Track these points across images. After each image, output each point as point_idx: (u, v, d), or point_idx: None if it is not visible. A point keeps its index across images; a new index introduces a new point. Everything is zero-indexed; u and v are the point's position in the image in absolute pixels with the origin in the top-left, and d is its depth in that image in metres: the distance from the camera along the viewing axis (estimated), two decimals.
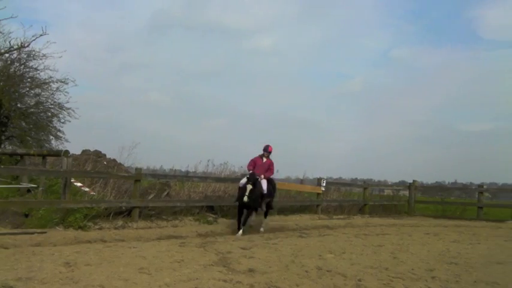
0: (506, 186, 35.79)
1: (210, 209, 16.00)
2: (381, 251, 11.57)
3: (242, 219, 14.12)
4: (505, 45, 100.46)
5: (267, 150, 15.02)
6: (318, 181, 20.02)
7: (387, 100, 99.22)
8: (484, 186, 24.51)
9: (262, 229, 14.78)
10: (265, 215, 15.34)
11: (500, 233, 16.97)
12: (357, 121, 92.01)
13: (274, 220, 16.82)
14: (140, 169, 14.58)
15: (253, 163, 14.83)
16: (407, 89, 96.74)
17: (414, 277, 8.65)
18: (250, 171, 14.55)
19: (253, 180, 14.00)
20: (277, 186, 19.20)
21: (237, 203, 14.47)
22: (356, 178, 31.00)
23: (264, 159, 14.94)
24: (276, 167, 15.32)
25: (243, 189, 14.09)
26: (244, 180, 14.38)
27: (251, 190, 13.82)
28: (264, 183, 14.60)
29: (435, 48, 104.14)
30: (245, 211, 14.25)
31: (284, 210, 18.38)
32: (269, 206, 15.28)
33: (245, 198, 13.72)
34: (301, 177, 22.03)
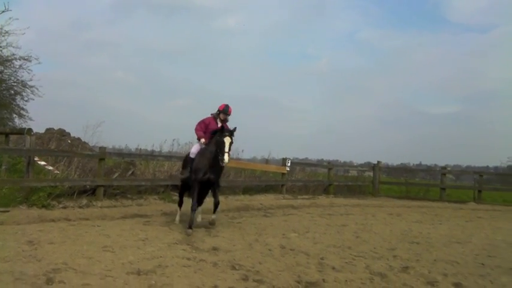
0: (469, 168, 36.67)
1: (175, 188, 15.98)
2: (345, 230, 11.79)
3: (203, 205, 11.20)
4: (471, 28, 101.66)
5: (227, 112, 11.07)
6: (283, 161, 20.16)
7: (353, 82, 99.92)
8: (448, 169, 25.01)
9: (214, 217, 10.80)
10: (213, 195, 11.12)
11: (462, 213, 17.41)
12: (323, 102, 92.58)
13: (239, 200, 16.91)
14: (104, 148, 14.50)
15: (205, 126, 11.04)
16: (374, 71, 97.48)
17: (376, 256, 8.86)
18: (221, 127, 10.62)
19: (231, 132, 10.38)
20: (243, 166, 19.37)
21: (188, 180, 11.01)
22: (322, 159, 31.25)
23: (219, 123, 10.95)
24: (241, 147, 14.38)
25: (201, 155, 10.68)
26: (196, 148, 11.08)
27: (231, 144, 10.29)
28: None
29: (402, 31, 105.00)
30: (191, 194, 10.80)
31: (249, 190, 18.45)
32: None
33: (226, 158, 10.06)
34: (266, 157, 22.17)
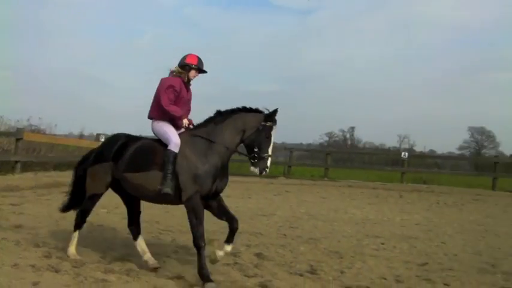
0: (285, 145, 38.63)
1: None
2: (155, 205, 11.91)
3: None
4: (291, 11, 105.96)
5: (202, 65, 6.67)
6: (97, 136, 19.83)
7: (177, 59, 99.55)
8: None
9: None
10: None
11: (271, 188, 18.45)
12: (149, 80, 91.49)
13: (49, 176, 16.36)
14: None
15: (175, 94, 6.45)
16: (198, 48, 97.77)
17: (183, 230, 9.13)
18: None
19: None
20: (54, 141, 18.77)
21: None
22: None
23: (190, 88, 6.79)
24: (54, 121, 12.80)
25: (206, 149, 6.19)
26: (174, 135, 6.29)
27: None
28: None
29: (228, 10, 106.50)
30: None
31: (61, 166, 17.90)
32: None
33: (268, 163, 6.10)
34: (77, 132, 21.71)
